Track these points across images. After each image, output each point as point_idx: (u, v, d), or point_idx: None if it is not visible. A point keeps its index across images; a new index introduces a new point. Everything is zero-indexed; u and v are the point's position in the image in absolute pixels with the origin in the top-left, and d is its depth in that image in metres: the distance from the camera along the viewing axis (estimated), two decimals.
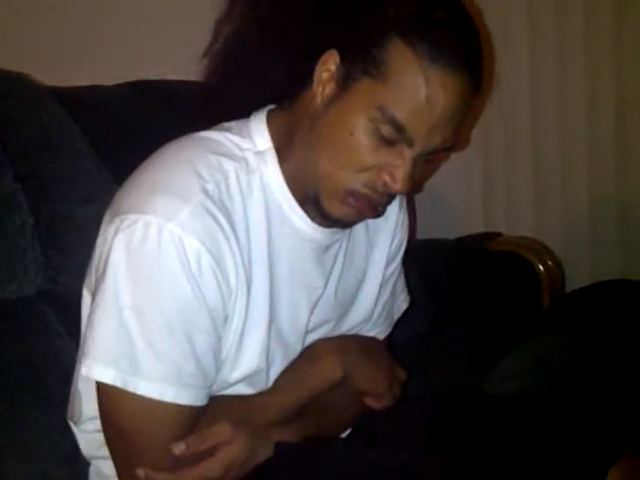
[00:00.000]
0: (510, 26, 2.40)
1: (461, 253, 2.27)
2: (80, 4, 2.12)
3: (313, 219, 1.22)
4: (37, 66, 1.66)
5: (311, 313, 1.28)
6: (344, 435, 1.37)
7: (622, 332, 1.49)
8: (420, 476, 1.08)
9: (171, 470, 1.13)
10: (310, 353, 1.30)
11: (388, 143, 1.13)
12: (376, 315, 1.42)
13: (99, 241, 1.16)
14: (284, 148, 1.20)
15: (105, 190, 1.47)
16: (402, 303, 1.52)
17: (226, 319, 1.15)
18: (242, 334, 1.17)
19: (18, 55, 1.87)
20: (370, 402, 1.35)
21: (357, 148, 1.13)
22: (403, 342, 1.61)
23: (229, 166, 1.16)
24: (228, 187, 1.15)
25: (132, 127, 1.69)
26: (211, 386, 1.17)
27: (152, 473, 1.12)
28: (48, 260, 1.47)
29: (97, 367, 1.09)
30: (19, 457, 1.30)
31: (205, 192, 1.12)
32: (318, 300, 1.28)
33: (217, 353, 1.15)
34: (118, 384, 1.08)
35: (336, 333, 1.35)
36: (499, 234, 2.35)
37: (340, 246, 1.30)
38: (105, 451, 1.18)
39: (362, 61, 1.12)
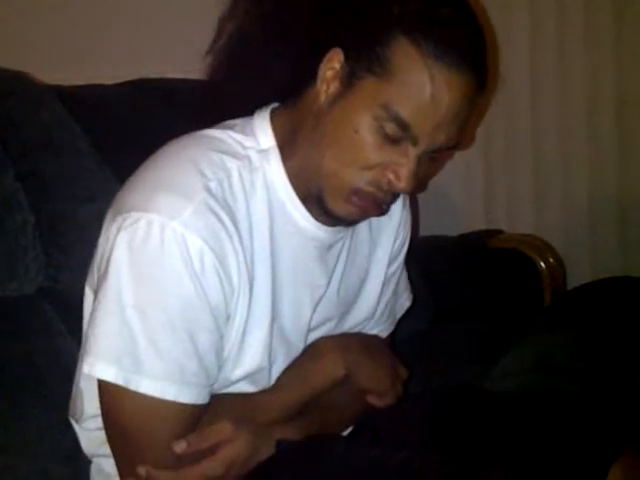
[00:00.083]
0: (511, 26, 2.41)
1: (462, 250, 2.27)
2: (80, 3, 2.12)
3: (316, 218, 1.22)
4: (37, 65, 1.67)
5: (314, 311, 1.28)
6: (346, 433, 1.36)
7: (623, 329, 1.49)
8: (420, 473, 1.08)
9: (172, 468, 1.13)
10: (312, 351, 1.29)
11: (392, 141, 1.13)
12: (378, 313, 1.42)
13: (101, 239, 1.16)
14: (288, 146, 1.20)
15: (106, 188, 1.47)
16: (405, 302, 1.52)
17: (228, 317, 1.15)
18: (244, 332, 1.17)
19: (18, 54, 1.88)
20: (372, 400, 1.35)
21: (361, 146, 1.13)
22: (404, 339, 1.61)
23: (232, 164, 1.16)
24: (231, 185, 1.15)
25: (132, 125, 1.69)
26: (213, 384, 1.16)
27: (153, 471, 1.12)
28: (49, 259, 1.47)
29: (99, 365, 1.09)
30: (20, 455, 1.30)
31: (208, 190, 1.11)
32: (321, 298, 1.28)
33: (219, 351, 1.15)
34: (120, 382, 1.08)
35: (338, 331, 1.35)
36: (500, 231, 2.35)
37: (343, 244, 1.30)
38: (106, 449, 1.18)
39: (366, 59, 1.12)
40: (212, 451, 1.14)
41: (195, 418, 1.14)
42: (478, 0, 1.19)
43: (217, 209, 1.11)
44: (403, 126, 1.11)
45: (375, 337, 1.43)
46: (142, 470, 1.12)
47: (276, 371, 1.25)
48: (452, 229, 2.38)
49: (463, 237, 2.34)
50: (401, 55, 1.10)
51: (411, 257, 1.49)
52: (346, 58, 1.14)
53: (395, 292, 1.46)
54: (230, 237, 1.12)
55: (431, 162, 1.19)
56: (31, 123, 1.50)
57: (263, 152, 1.20)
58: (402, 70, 1.10)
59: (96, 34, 2.10)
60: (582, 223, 2.46)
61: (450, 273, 2.21)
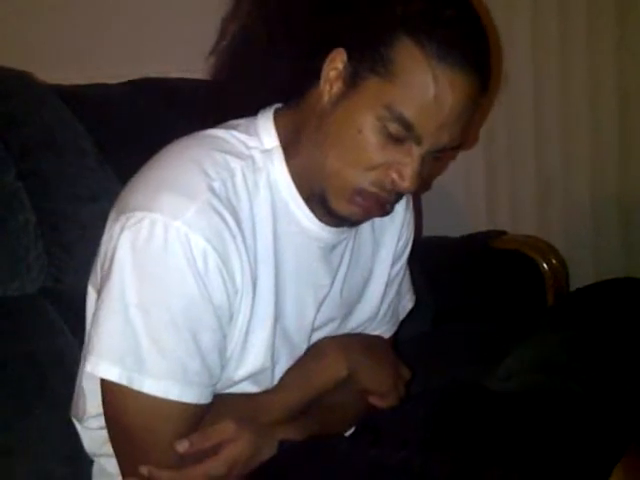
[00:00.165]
0: (514, 27, 2.41)
1: (465, 251, 2.27)
2: (82, 3, 2.12)
3: (319, 218, 1.22)
4: (40, 64, 1.67)
5: (317, 311, 1.28)
6: (348, 433, 1.36)
7: (625, 330, 1.50)
8: (421, 473, 1.08)
9: (175, 468, 1.13)
10: (315, 351, 1.29)
11: (396, 141, 1.12)
12: (381, 314, 1.42)
13: (104, 238, 1.16)
14: (291, 146, 1.20)
15: (108, 188, 1.47)
16: (407, 303, 1.52)
17: (231, 317, 1.15)
18: (247, 332, 1.17)
19: (21, 54, 1.88)
20: (374, 401, 1.35)
21: (365, 146, 1.13)
22: (406, 339, 1.61)
23: (236, 164, 1.16)
24: (234, 185, 1.15)
25: (134, 125, 1.69)
26: (216, 384, 1.16)
27: (156, 471, 1.12)
28: (51, 258, 1.47)
29: (102, 364, 1.09)
30: (23, 455, 1.30)
31: (212, 190, 1.11)
32: (324, 299, 1.28)
33: (222, 351, 1.15)
34: (123, 382, 1.08)
35: (341, 331, 1.35)
36: (503, 232, 2.36)
37: (346, 245, 1.30)
38: (109, 448, 1.18)
39: (370, 59, 1.12)
40: (215, 451, 1.14)
41: (198, 418, 1.14)
42: (481, 1, 1.19)
43: (221, 209, 1.11)
44: (407, 126, 1.11)
45: (378, 338, 1.43)
46: (144, 470, 1.12)
47: (279, 371, 1.25)
48: (455, 230, 2.38)
49: (466, 238, 2.34)
50: (404, 56, 1.10)
51: (414, 257, 1.49)
52: (349, 58, 1.14)
53: (398, 293, 1.46)
54: (233, 237, 1.12)
55: (435, 162, 1.19)
56: (33, 122, 1.50)
57: (267, 152, 1.20)
58: (405, 70, 1.10)
59: (98, 34, 2.11)
60: (585, 224, 2.46)
61: (453, 274, 2.21)
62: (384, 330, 1.44)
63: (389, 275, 1.40)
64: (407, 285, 1.50)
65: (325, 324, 1.31)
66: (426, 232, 2.18)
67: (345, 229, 1.26)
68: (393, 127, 1.11)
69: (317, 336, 1.30)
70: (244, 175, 1.16)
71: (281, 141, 1.20)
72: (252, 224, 1.16)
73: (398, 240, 1.40)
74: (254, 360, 1.20)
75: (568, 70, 2.40)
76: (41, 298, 1.45)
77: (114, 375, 1.08)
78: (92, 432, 1.26)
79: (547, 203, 2.48)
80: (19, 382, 1.34)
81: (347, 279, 1.32)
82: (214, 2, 1.24)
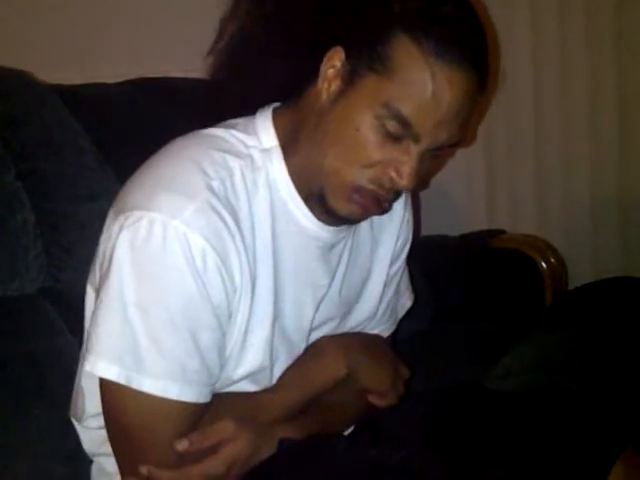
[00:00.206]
0: (513, 25, 2.41)
1: (464, 250, 2.27)
2: (81, 3, 2.12)
3: (318, 217, 1.22)
4: (39, 64, 1.67)
5: (316, 311, 1.28)
6: (347, 433, 1.36)
7: (624, 329, 1.50)
8: (421, 473, 1.08)
9: (174, 467, 1.13)
10: (314, 350, 1.29)
11: (394, 139, 1.13)
12: (380, 313, 1.42)
13: (103, 238, 1.16)
14: (290, 145, 1.20)
15: (108, 187, 1.47)
16: (406, 301, 1.52)
17: (230, 316, 1.15)
18: (246, 331, 1.17)
19: (20, 53, 1.88)
20: (374, 400, 1.35)
21: (363, 144, 1.13)
22: (405, 339, 1.61)
23: (234, 163, 1.16)
24: (233, 184, 1.15)
25: (133, 124, 1.69)
26: (215, 383, 1.16)
27: (155, 470, 1.12)
28: (50, 258, 1.46)
29: (101, 364, 1.09)
30: (22, 455, 1.30)
31: (210, 189, 1.11)
32: (323, 298, 1.28)
33: (221, 350, 1.15)
34: (122, 381, 1.08)
35: (340, 331, 1.35)
36: (502, 231, 2.36)
37: (345, 244, 1.30)
38: (108, 448, 1.18)
39: (367, 57, 1.12)
40: (214, 450, 1.14)
41: (197, 417, 1.14)
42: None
43: (219, 208, 1.11)
44: (405, 124, 1.11)
45: (377, 337, 1.43)
46: (144, 469, 1.12)
47: (278, 370, 1.25)
48: (454, 229, 2.38)
49: (465, 237, 2.34)
50: (402, 53, 1.10)
51: (413, 257, 1.49)
52: (347, 56, 1.15)
53: (397, 292, 1.46)
54: (232, 236, 1.12)
55: (433, 160, 1.19)
56: (32, 122, 1.50)
57: (265, 151, 1.20)
58: (403, 68, 1.10)
59: (97, 34, 2.11)
60: (584, 224, 2.46)
61: (452, 273, 2.21)
62: (383, 329, 1.44)
63: (388, 274, 1.40)
64: (406, 284, 1.50)
65: (324, 323, 1.31)
66: (425, 231, 2.18)
67: (344, 228, 1.26)
68: (391, 125, 1.11)
69: (316, 335, 1.31)
70: (243, 174, 1.16)
71: (280, 140, 1.21)
72: (251, 223, 1.16)
73: (397, 239, 1.40)
74: (253, 359, 1.20)
75: (567, 69, 2.40)
76: (40, 298, 1.45)
77: (113, 374, 1.09)
78: (91, 432, 1.26)
79: (546, 202, 2.48)
80: (18, 382, 1.33)
81: (346, 278, 1.32)
82: (214, 2, 1.24)
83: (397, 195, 1.21)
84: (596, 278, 1.86)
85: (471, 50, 1.12)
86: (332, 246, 1.27)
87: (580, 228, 2.46)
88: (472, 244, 2.29)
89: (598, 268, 2.42)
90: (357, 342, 1.35)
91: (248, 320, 1.17)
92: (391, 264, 1.40)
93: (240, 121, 1.23)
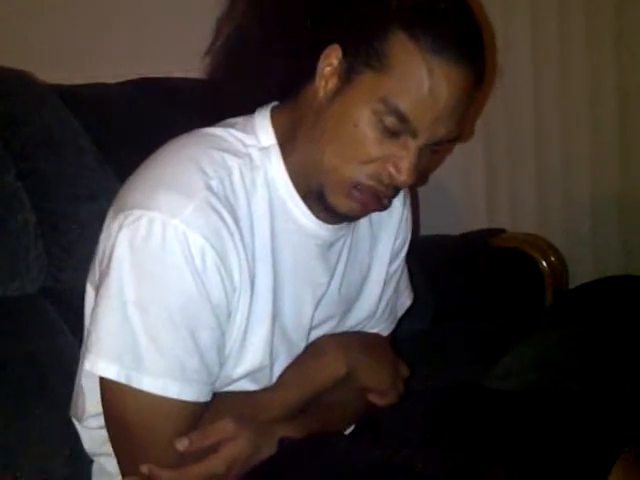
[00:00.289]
0: (513, 24, 2.41)
1: (464, 249, 2.27)
2: (82, 3, 2.12)
3: (317, 215, 1.22)
4: (39, 64, 1.67)
5: (315, 309, 1.28)
6: (348, 432, 1.36)
7: (624, 328, 1.50)
8: (422, 473, 1.08)
9: (174, 466, 1.13)
10: (314, 349, 1.29)
11: (392, 134, 1.13)
12: (380, 312, 1.42)
13: (103, 236, 1.16)
14: (288, 144, 1.20)
15: (108, 187, 1.47)
16: (405, 300, 1.52)
17: (230, 315, 1.15)
18: (246, 330, 1.17)
19: (20, 53, 1.88)
20: (373, 399, 1.35)
21: (362, 140, 1.13)
22: (405, 338, 1.61)
23: (233, 162, 1.16)
24: (232, 184, 1.15)
25: (134, 124, 1.69)
26: (215, 382, 1.17)
27: (156, 469, 1.12)
28: (51, 258, 1.47)
29: (101, 362, 1.09)
30: (23, 455, 1.30)
31: (209, 188, 1.12)
32: (322, 296, 1.28)
33: (221, 349, 1.15)
34: (122, 380, 1.08)
35: (340, 329, 1.35)
36: (503, 230, 2.36)
37: (344, 243, 1.30)
38: (108, 448, 1.18)
39: (364, 54, 1.12)
40: (214, 449, 1.14)
41: (197, 416, 1.14)
42: None
43: (218, 207, 1.11)
44: (402, 119, 1.11)
45: (376, 336, 1.43)
46: (145, 469, 1.12)
47: (278, 369, 1.25)
48: (454, 228, 2.38)
49: (465, 236, 2.34)
50: (399, 49, 1.11)
51: (413, 256, 1.49)
52: (344, 54, 1.15)
53: (396, 291, 1.46)
54: (231, 235, 1.12)
55: (431, 155, 1.19)
56: (32, 122, 1.50)
57: (264, 150, 1.20)
58: (400, 64, 1.11)
59: (97, 34, 2.11)
60: (584, 223, 2.46)
61: (452, 272, 2.21)
62: (382, 328, 1.44)
63: (387, 273, 1.40)
64: (405, 283, 1.50)
65: (324, 322, 1.31)
66: (425, 230, 2.18)
67: (343, 226, 1.27)
68: (389, 120, 1.12)
69: (316, 334, 1.31)
70: (241, 173, 1.17)
71: (278, 139, 1.21)
72: (250, 222, 1.16)
73: (396, 238, 1.40)
74: (252, 358, 1.20)
75: (568, 69, 2.40)
76: (41, 298, 1.45)
77: (112, 373, 1.09)
78: (92, 432, 1.26)
79: (547, 201, 2.48)
80: (19, 382, 1.33)
81: (345, 276, 1.32)
82: (214, 2, 1.25)
83: (396, 191, 1.21)
84: (597, 277, 1.86)
85: (468, 46, 1.12)
86: (331, 244, 1.27)
87: (580, 227, 2.46)
88: (472, 243, 2.28)
89: (599, 267, 2.42)
90: (357, 341, 1.35)
91: (247, 319, 1.17)
92: (390, 262, 1.40)
93: (239, 120, 1.24)
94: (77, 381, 1.25)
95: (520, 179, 2.50)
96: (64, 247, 1.48)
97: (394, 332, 1.49)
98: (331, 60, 1.16)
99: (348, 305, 1.35)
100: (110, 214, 1.16)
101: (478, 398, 1.29)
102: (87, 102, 1.67)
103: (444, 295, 2.15)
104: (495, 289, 2.19)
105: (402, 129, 1.12)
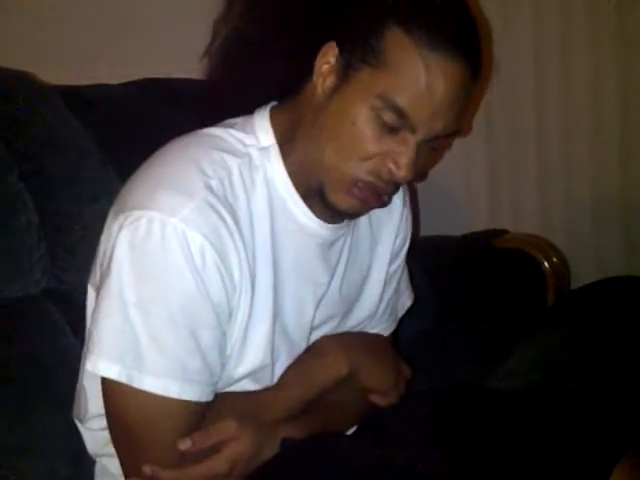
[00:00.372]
0: (514, 22, 2.41)
1: (467, 250, 2.27)
2: (85, 4, 2.12)
3: (317, 215, 1.22)
4: (42, 65, 1.67)
5: (316, 309, 1.28)
6: (350, 432, 1.37)
7: (626, 329, 1.50)
8: (424, 473, 1.08)
9: (176, 467, 1.13)
10: (315, 350, 1.30)
11: (391, 130, 1.13)
12: (380, 311, 1.42)
13: (103, 237, 1.17)
14: (287, 143, 1.21)
15: (111, 188, 1.47)
16: (406, 300, 1.52)
17: (230, 315, 1.15)
18: (246, 329, 1.18)
19: (23, 54, 1.89)
20: (375, 399, 1.35)
21: (360, 137, 1.14)
22: (408, 338, 1.61)
23: (232, 162, 1.17)
24: (232, 184, 1.15)
25: (137, 125, 1.69)
26: (217, 382, 1.17)
27: (158, 470, 1.12)
28: (54, 259, 1.47)
29: (102, 363, 1.10)
30: (26, 455, 1.30)
31: (209, 188, 1.12)
32: (323, 296, 1.28)
33: (222, 349, 1.15)
34: (123, 380, 1.09)
35: (341, 330, 1.35)
36: (505, 231, 2.36)
37: (344, 242, 1.30)
38: (111, 449, 1.18)
39: (361, 51, 1.13)
40: (216, 449, 1.15)
41: (199, 416, 1.15)
42: None
43: (218, 207, 1.12)
44: (400, 114, 1.12)
45: (378, 336, 1.43)
46: (147, 469, 1.12)
47: (279, 369, 1.25)
48: (457, 229, 2.39)
49: (468, 237, 2.35)
50: (395, 45, 1.11)
51: (416, 257, 1.49)
52: (341, 51, 1.16)
53: (397, 291, 1.46)
54: (231, 234, 1.12)
55: (430, 152, 1.20)
56: (35, 123, 1.50)
57: (263, 150, 1.20)
58: (397, 60, 1.11)
59: (100, 35, 2.11)
60: (586, 223, 2.46)
61: (454, 273, 2.21)
62: (383, 328, 1.45)
63: (387, 272, 1.40)
64: (405, 283, 1.50)
65: (325, 322, 1.31)
66: (428, 231, 2.19)
67: (343, 226, 1.27)
68: (387, 116, 1.12)
69: (317, 335, 1.31)
70: (241, 173, 1.17)
71: (277, 138, 1.21)
72: (250, 222, 1.16)
73: (396, 237, 1.41)
74: (254, 358, 1.20)
75: (569, 69, 2.39)
76: (44, 299, 1.45)
77: (114, 373, 1.09)
78: (94, 433, 1.26)
79: (549, 202, 2.48)
80: (22, 383, 1.33)
81: (346, 276, 1.32)
82: (217, 3, 1.25)
83: (396, 187, 1.21)
84: (599, 278, 1.86)
85: (463, 40, 1.13)
86: (331, 244, 1.27)
87: (583, 228, 2.46)
88: (475, 244, 2.29)
89: (601, 268, 2.41)
90: (358, 341, 1.35)
91: (248, 318, 1.17)
92: (390, 262, 1.41)
93: (238, 120, 1.24)
94: (79, 382, 1.25)
95: (522, 180, 2.50)
96: (67, 248, 1.48)
97: (395, 332, 1.49)
98: (328, 58, 1.16)
99: (349, 305, 1.35)
100: (111, 215, 1.16)
101: (480, 399, 1.29)
102: (90, 103, 1.67)
103: (446, 296, 2.15)
104: (497, 290, 2.19)
105: (400, 125, 1.13)
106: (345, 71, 1.15)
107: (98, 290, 1.14)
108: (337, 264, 1.30)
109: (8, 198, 1.42)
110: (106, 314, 1.10)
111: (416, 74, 1.11)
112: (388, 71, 1.11)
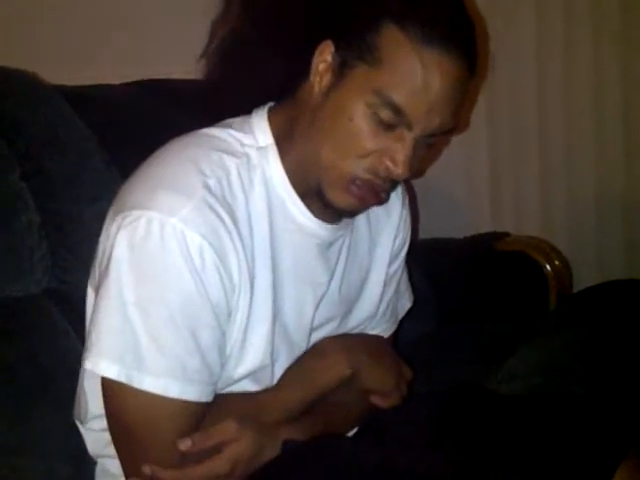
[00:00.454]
0: (517, 22, 2.40)
1: (469, 252, 2.27)
2: (87, 3, 2.13)
3: (316, 215, 1.23)
4: (44, 65, 1.67)
5: (316, 310, 1.28)
6: (351, 434, 1.36)
7: (629, 332, 1.49)
8: (426, 475, 1.08)
9: (176, 467, 1.13)
10: (315, 351, 1.29)
11: (387, 127, 1.13)
12: (381, 312, 1.42)
13: (102, 238, 1.17)
14: (285, 143, 1.21)
15: (113, 188, 1.45)
16: (406, 302, 1.52)
17: (229, 315, 1.15)
18: (246, 330, 1.18)
19: (25, 54, 1.89)
20: (377, 401, 1.35)
21: (357, 134, 1.14)
22: (410, 341, 1.61)
23: (230, 162, 1.17)
24: (230, 184, 1.15)
25: (139, 125, 1.69)
26: (216, 382, 1.17)
27: (159, 470, 1.12)
28: (55, 259, 1.47)
29: (102, 363, 1.09)
30: (26, 456, 1.30)
31: (207, 188, 1.12)
32: (323, 296, 1.28)
33: (222, 348, 1.15)
34: (123, 379, 1.08)
35: (341, 331, 1.35)
36: (507, 234, 2.35)
37: (343, 242, 1.30)
38: (111, 450, 1.18)
39: (357, 48, 1.13)
40: (217, 450, 1.14)
41: (199, 416, 1.14)
42: None
43: (217, 207, 1.12)
44: (397, 111, 1.12)
45: (378, 337, 1.43)
46: (147, 469, 1.12)
47: (279, 369, 1.25)
48: (458, 231, 2.38)
49: (469, 239, 2.34)
50: (390, 41, 1.12)
51: (418, 259, 1.49)
52: (337, 49, 1.16)
53: (397, 292, 1.46)
54: (229, 234, 1.12)
55: (428, 149, 1.20)
56: (37, 123, 1.50)
57: (261, 149, 1.20)
58: (392, 56, 1.12)
59: (102, 35, 2.11)
60: (588, 226, 2.46)
61: (456, 275, 2.21)
62: (384, 329, 1.45)
63: (387, 274, 1.40)
64: (405, 284, 1.50)
65: (325, 323, 1.31)
66: (429, 233, 2.19)
67: (341, 226, 1.27)
68: (384, 113, 1.12)
69: (317, 336, 1.31)
70: (239, 173, 1.17)
71: (275, 138, 1.21)
72: (248, 222, 1.16)
73: (395, 238, 1.41)
74: (253, 358, 1.20)
75: (571, 69, 2.39)
76: (45, 299, 1.45)
77: (113, 373, 1.09)
78: (95, 434, 1.26)
79: (550, 204, 2.48)
80: (23, 383, 1.33)
81: (345, 276, 1.32)
82: (217, 3, 1.25)
83: (393, 185, 1.22)
84: (601, 281, 1.86)
85: (459, 36, 1.13)
86: (330, 244, 1.27)
87: (585, 230, 2.46)
88: (477, 246, 2.28)
89: (603, 270, 2.41)
90: (359, 343, 1.35)
91: (248, 318, 1.17)
92: (390, 263, 1.41)
93: (237, 120, 1.24)
94: (80, 383, 1.25)
95: (523, 182, 2.49)
96: (69, 248, 1.48)
97: (396, 334, 1.49)
98: (325, 56, 1.16)
99: (349, 306, 1.35)
100: (110, 215, 1.17)
101: (482, 401, 1.29)
102: (92, 103, 1.67)
103: (448, 298, 2.15)
104: (499, 293, 2.19)
105: (397, 121, 1.13)
106: (341, 69, 1.15)
107: (97, 290, 1.14)
108: (336, 264, 1.30)
109: (9, 197, 1.42)
110: (105, 314, 1.10)
111: (412, 70, 1.11)
112: (384, 68, 1.12)
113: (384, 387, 1.35)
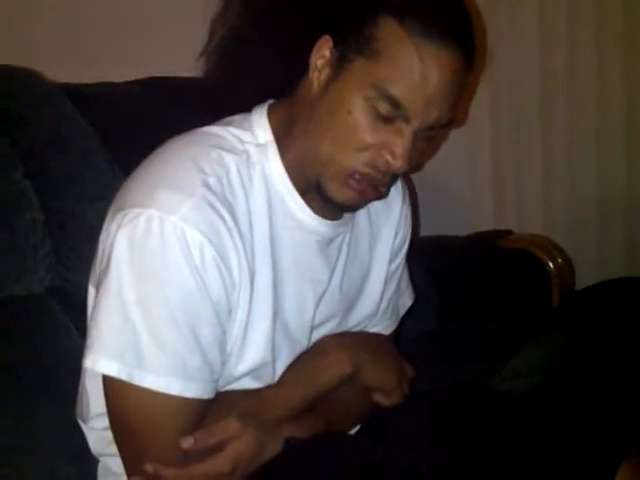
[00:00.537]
0: (520, 21, 2.40)
1: (471, 250, 2.27)
2: (90, 2, 2.13)
3: (316, 211, 1.23)
4: (47, 63, 1.67)
5: (316, 307, 1.28)
6: (353, 432, 1.36)
7: (631, 330, 1.49)
8: (427, 474, 1.08)
9: (178, 464, 1.13)
10: (317, 349, 1.29)
11: (386, 120, 1.14)
12: (382, 310, 1.42)
13: (102, 236, 1.17)
14: (285, 139, 1.21)
15: (115, 186, 1.45)
16: (407, 300, 1.52)
17: (230, 312, 1.15)
18: (246, 327, 1.18)
19: (28, 52, 1.89)
20: (378, 399, 1.35)
21: (356, 127, 1.14)
22: (412, 339, 1.61)
23: (230, 160, 1.17)
24: (230, 181, 1.15)
25: (141, 124, 1.69)
26: (217, 380, 1.17)
27: (161, 468, 1.12)
28: (59, 257, 1.47)
29: (102, 361, 1.09)
30: (28, 454, 1.30)
31: (207, 186, 1.12)
32: (323, 294, 1.28)
33: (223, 346, 1.15)
34: (123, 377, 1.08)
35: (342, 329, 1.35)
36: (509, 232, 2.35)
37: (343, 239, 1.30)
38: (113, 448, 1.18)
39: (354, 42, 1.13)
40: (219, 448, 1.14)
41: (200, 414, 1.14)
42: None
43: (216, 204, 1.12)
44: (395, 104, 1.12)
45: (380, 335, 1.43)
46: (149, 467, 1.12)
47: (280, 366, 1.25)
48: (461, 229, 2.38)
49: (472, 237, 2.34)
50: (388, 35, 1.12)
51: (420, 257, 1.49)
52: (335, 44, 1.16)
53: (397, 289, 1.46)
54: (229, 231, 1.12)
55: (427, 142, 1.20)
56: (40, 121, 1.50)
57: (261, 146, 1.21)
58: (390, 49, 1.12)
59: (105, 33, 2.11)
60: (591, 224, 2.46)
61: (458, 273, 2.21)
62: (385, 326, 1.45)
63: (387, 271, 1.40)
64: (406, 282, 1.50)
65: (326, 321, 1.31)
66: (432, 231, 2.19)
67: (342, 222, 1.27)
68: (382, 106, 1.12)
69: (318, 334, 1.31)
70: (239, 170, 1.17)
71: (275, 135, 1.21)
72: (248, 219, 1.17)
73: (395, 235, 1.41)
74: (254, 355, 1.20)
75: (574, 68, 2.39)
76: (48, 297, 1.45)
77: (114, 371, 1.09)
78: (97, 432, 1.26)
79: (553, 202, 2.47)
80: (25, 381, 1.34)
81: (345, 273, 1.32)
82: (217, 2, 1.26)
83: (393, 179, 1.22)
84: (603, 278, 1.85)
85: (457, 29, 1.13)
86: (330, 240, 1.27)
87: (587, 228, 2.45)
88: (479, 244, 2.28)
89: (605, 268, 2.41)
90: (360, 340, 1.35)
91: (248, 315, 1.17)
92: (390, 261, 1.41)
93: (236, 118, 1.25)
94: (82, 381, 1.26)
95: (526, 180, 2.49)
96: (72, 246, 1.48)
97: (397, 332, 1.49)
98: (323, 52, 1.17)
99: (349, 303, 1.35)
100: (110, 213, 1.17)
101: (484, 399, 1.29)
102: (94, 101, 1.67)
103: (450, 296, 2.15)
104: (501, 290, 2.19)
105: (395, 115, 1.13)
106: (340, 63, 1.15)
107: (97, 288, 1.14)
108: (337, 261, 1.30)
109: (13, 196, 1.43)
110: (105, 312, 1.10)
111: (410, 64, 1.11)
112: (382, 61, 1.12)
113: (385, 385, 1.35)
